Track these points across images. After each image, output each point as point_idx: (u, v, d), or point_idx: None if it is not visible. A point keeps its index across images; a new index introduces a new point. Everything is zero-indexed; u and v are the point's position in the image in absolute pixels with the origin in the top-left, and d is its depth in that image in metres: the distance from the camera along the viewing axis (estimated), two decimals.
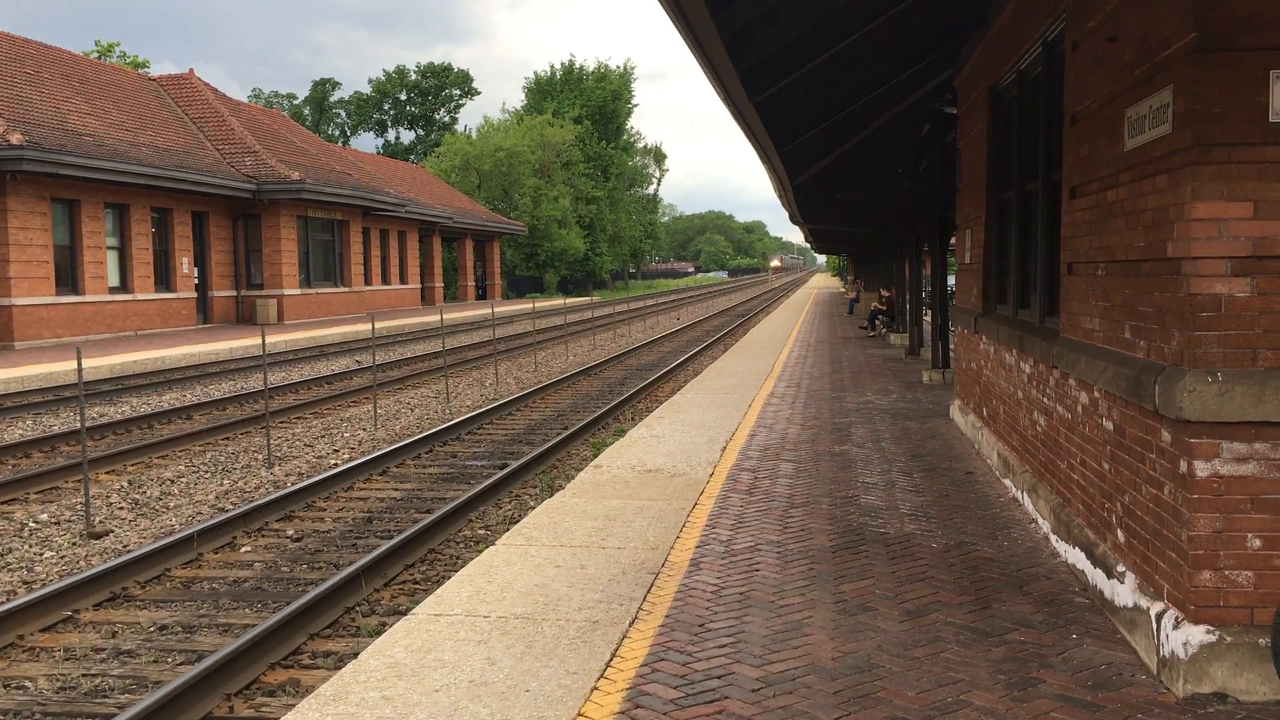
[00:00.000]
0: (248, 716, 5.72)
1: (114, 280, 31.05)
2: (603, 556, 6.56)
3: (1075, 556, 6.10)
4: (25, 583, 8.22)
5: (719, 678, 4.67)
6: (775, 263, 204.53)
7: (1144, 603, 4.86)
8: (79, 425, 11.53)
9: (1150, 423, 4.86)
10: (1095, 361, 5.66)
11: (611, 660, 4.88)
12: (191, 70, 41.19)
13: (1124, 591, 5.14)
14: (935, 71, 11.71)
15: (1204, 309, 4.41)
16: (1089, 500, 5.98)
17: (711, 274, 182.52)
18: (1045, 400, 7.13)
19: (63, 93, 31.57)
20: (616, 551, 6.67)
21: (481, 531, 9.59)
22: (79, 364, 10.40)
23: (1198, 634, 4.40)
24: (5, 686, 6.16)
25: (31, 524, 9.93)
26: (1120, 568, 5.29)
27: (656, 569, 6.29)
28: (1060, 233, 6.74)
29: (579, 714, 4.30)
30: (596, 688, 4.57)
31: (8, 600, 7.63)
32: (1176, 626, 4.49)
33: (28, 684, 6.19)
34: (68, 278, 29.19)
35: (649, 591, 5.88)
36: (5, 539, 9.40)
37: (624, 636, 5.18)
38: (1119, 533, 5.39)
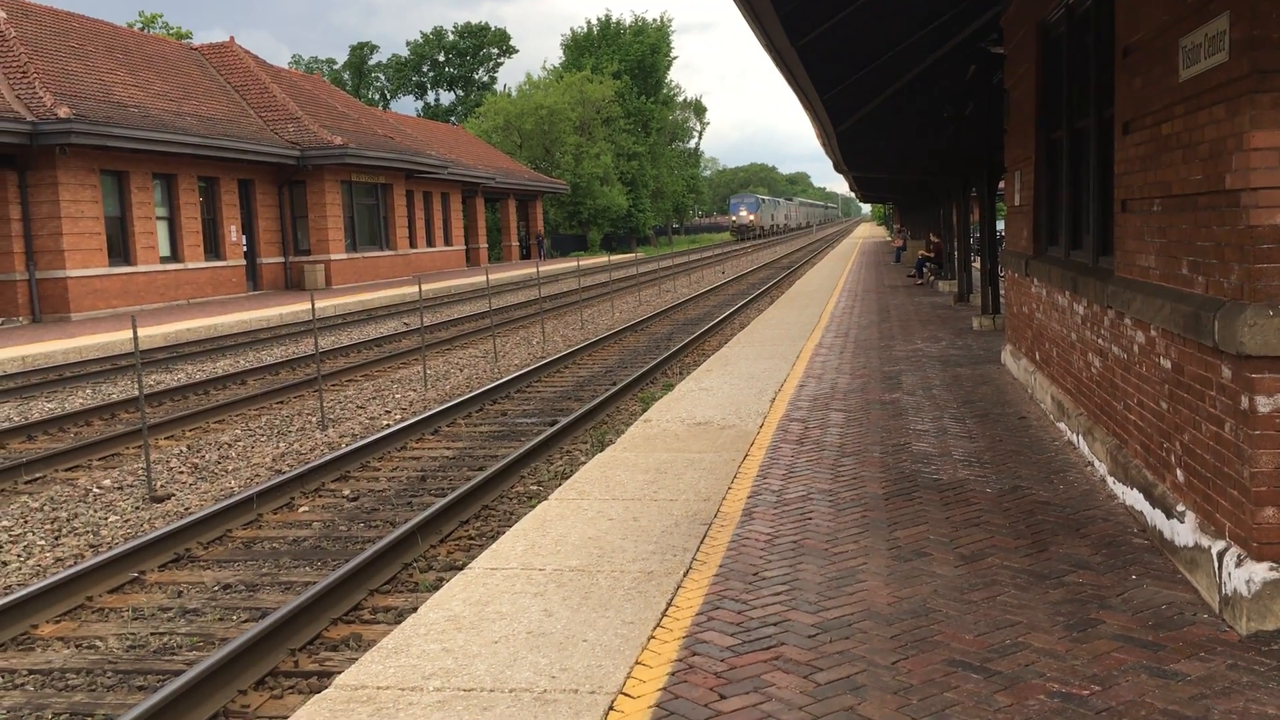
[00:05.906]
0: (312, 670, 5.83)
1: (165, 250, 31.45)
2: (655, 509, 6.59)
3: (1133, 498, 6.02)
4: (92, 546, 8.42)
5: (775, 625, 4.68)
6: (743, 215, 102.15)
7: (1205, 542, 4.80)
8: (137, 393, 11.73)
9: (1210, 359, 4.77)
10: (1152, 299, 5.55)
11: (667, 610, 4.91)
12: (232, 38, 41.36)
13: (1184, 531, 5.08)
14: (981, 10, 11.45)
15: (1264, 241, 4.30)
16: (1146, 441, 5.89)
17: None
18: (1100, 341, 7.02)
19: (107, 65, 31.86)
20: (668, 503, 6.70)
21: (534, 487, 9.66)
22: (134, 333, 10.56)
23: (1261, 571, 4.33)
24: (77, 646, 6.33)
25: (95, 490, 10.15)
26: (1180, 507, 5.22)
27: (709, 520, 6.31)
28: (1113, 170, 6.60)
29: (637, 662, 4.34)
30: (653, 636, 4.60)
31: (76, 563, 7.83)
32: (1239, 564, 4.43)
33: (98, 643, 6.36)
34: (120, 249, 29.59)
35: (702, 542, 5.90)
36: (71, 505, 9.62)
37: (679, 586, 5.21)
38: (1178, 472, 5.31)
